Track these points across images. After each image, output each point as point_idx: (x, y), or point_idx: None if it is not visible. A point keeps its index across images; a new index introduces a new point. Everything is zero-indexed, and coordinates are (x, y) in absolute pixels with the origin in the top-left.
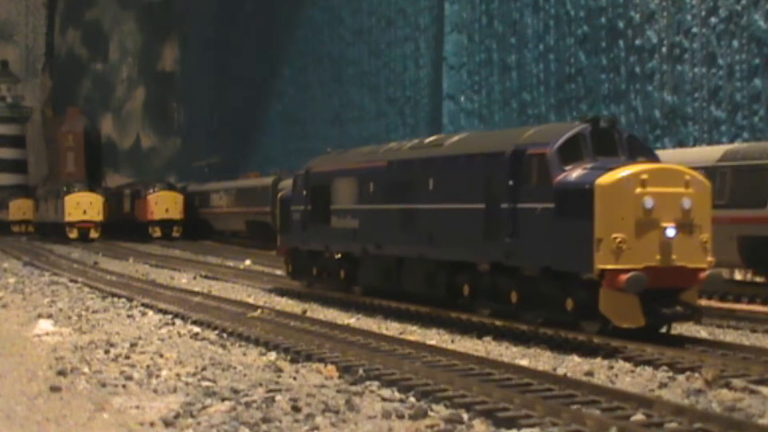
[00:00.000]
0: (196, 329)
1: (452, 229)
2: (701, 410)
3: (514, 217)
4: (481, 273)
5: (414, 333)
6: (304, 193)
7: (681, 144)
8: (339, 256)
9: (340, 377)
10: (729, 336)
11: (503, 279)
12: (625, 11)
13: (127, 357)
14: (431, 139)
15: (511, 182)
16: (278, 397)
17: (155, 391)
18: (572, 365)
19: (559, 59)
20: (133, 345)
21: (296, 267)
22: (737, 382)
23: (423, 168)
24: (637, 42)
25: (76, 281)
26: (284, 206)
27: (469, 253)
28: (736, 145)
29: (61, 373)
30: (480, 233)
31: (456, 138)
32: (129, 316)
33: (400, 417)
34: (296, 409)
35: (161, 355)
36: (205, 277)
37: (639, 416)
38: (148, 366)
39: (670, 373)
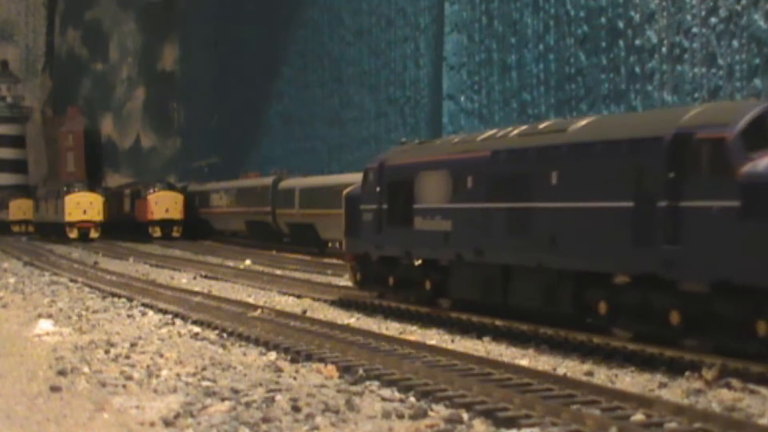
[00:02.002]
0: (196, 329)
1: (584, 232)
2: (701, 410)
3: (675, 219)
4: (621, 287)
5: (414, 333)
6: (378, 189)
7: None
8: (419, 262)
9: (340, 377)
10: None
11: (658, 295)
12: (625, 11)
13: (127, 357)
14: (547, 124)
15: (671, 175)
16: (278, 397)
17: (155, 391)
18: (572, 365)
19: (559, 59)
20: (133, 345)
21: (366, 276)
22: (737, 382)
23: (542, 158)
24: (637, 42)
25: (76, 281)
26: (351, 206)
27: (608, 262)
28: None
29: (61, 373)
30: (626, 238)
31: (585, 122)
32: (129, 316)
33: (400, 417)
34: (296, 409)
35: (161, 355)
36: (205, 277)
37: (639, 416)
38: (148, 366)
39: (670, 373)
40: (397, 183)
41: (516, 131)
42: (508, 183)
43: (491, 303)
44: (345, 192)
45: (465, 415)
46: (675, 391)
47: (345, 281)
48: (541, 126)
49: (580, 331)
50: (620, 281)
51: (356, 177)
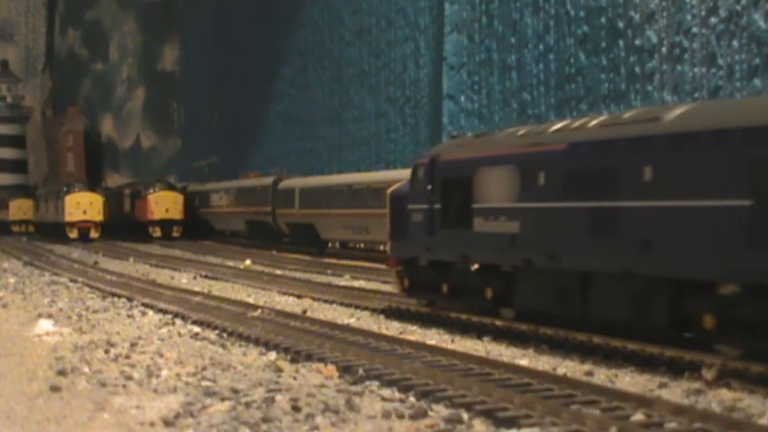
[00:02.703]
0: (196, 329)
1: (685, 235)
2: (701, 410)
3: None
4: (730, 297)
5: (414, 333)
6: (430, 187)
7: None
8: (475, 267)
9: (340, 377)
10: None
11: None
12: (625, 11)
13: (127, 357)
14: (634, 113)
15: None
16: (278, 397)
17: (155, 391)
18: (572, 365)
19: (559, 59)
20: (133, 345)
21: (415, 282)
22: (737, 383)
23: (633, 151)
24: (637, 42)
25: (76, 281)
26: (398, 205)
27: (715, 270)
28: None
29: (61, 373)
30: (739, 242)
31: (682, 109)
32: (129, 316)
33: (400, 417)
34: (296, 409)
35: (161, 355)
36: (205, 277)
37: (639, 416)
38: (148, 366)
39: (670, 373)
40: (452, 180)
41: (595, 121)
42: (589, 179)
43: (566, 314)
44: (390, 190)
45: (465, 415)
46: (675, 391)
47: (344, 281)
48: (627, 115)
49: (580, 331)
50: (727, 291)
51: (353, 177)
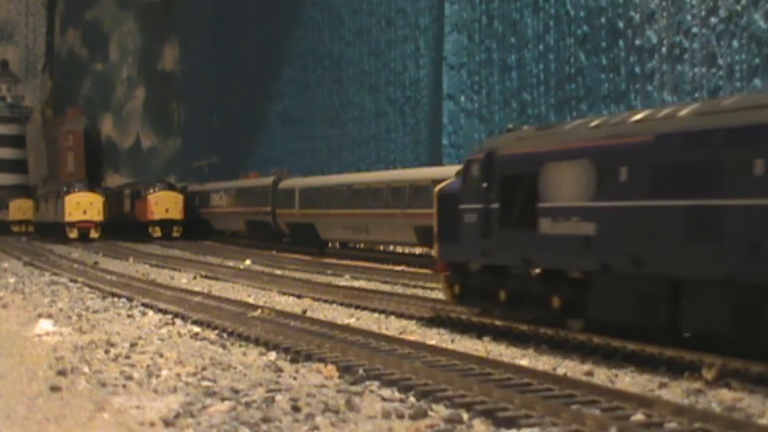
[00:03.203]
0: (196, 329)
1: None
2: (701, 410)
3: None
4: None
5: (414, 333)
6: (485, 185)
7: None
8: (537, 272)
9: (340, 377)
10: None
11: None
12: (625, 11)
13: (127, 357)
14: (734, 100)
15: None
16: (278, 397)
17: (155, 391)
18: (572, 365)
19: (559, 59)
20: (133, 345)
21: (467, 288)
22: (737, 383)
23: (738, 142)
24: (637, 42)
25: (76, 281)
26: (447, 205)
27: None
28: None
29: (61, 373)
30: None
31: None
32: (129, 316)
33: (400, 417)
34: (296, 409)
35: (161, 355)
36: (205, 277)
37: (639, 416)
38: (148, 366)
39: (670, 373)
40: (513, 177)
41: (687, 110)
42: (683, 174)
43: (650, 326)
44: (438, 189)
45: (465, 415)
46: (675, 391)
47: (344, 281)
48: (726, 102)
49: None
50: None
51: (360, 177)
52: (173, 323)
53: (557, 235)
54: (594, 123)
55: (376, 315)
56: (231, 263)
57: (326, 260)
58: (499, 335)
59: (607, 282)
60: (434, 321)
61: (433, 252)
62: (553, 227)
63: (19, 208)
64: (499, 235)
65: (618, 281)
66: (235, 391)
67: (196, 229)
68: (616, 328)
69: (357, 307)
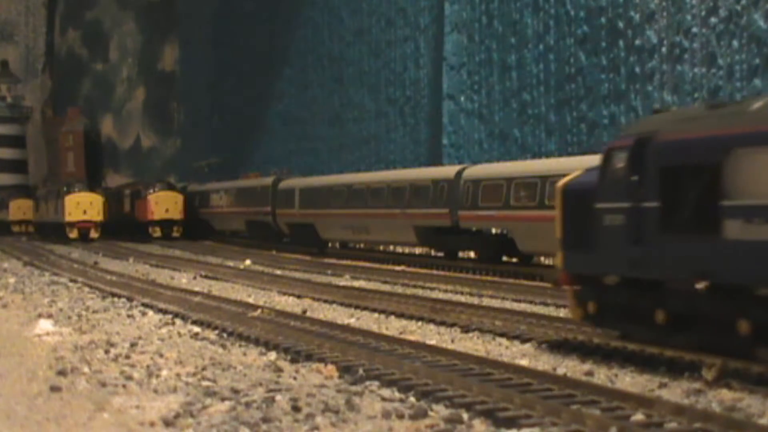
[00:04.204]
0: (196, 329)
1: None
2: (701, 410)
3: None
4: None
5: (414, 333)
6: (637, 179)
7: None
8: (710, 288)
9: (340, 377)
10: None
11: None
12: (625, 11)
13: (127, 357)
14: None
15: None
16: (278, 397)
17: (155, 391)
18: (572, 365)
19: (559, 59)
20: (133, 345)
21: (604, 306)
22: (737, 383)
23: None
24: (637, 42)
25: (76, 281)
26: (577, 204)
27: None
28: None
29: (61, 373)
30: None
31: None
32: (129, 316)
33: (400, 417)
34: (296, 409)
35: (161, 355)
36: (205, 277)
37: (639, 416)
38: (148, 366)
39: (670, 373)
40: (681, 168)
41: None
42: None
43: None
44: (562, 184)
45: (465, 415)
46: (675, 391)
47: (344, 281)
48: None
49: (579, 331)
50: None
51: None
52: (173, 323)
53: (753, 241)
54: None
55: (376, 315)
56: (231, 263)
57: (326, 260)
58: (499, 335)
59: None
60: (433, 320)
61: (556, 261)
62: (748, 232)
63: (19, 208)
64: (659, 242)
65: None
66: (235, 391)
67: (196, 229)
68: None
69: (357, 307)
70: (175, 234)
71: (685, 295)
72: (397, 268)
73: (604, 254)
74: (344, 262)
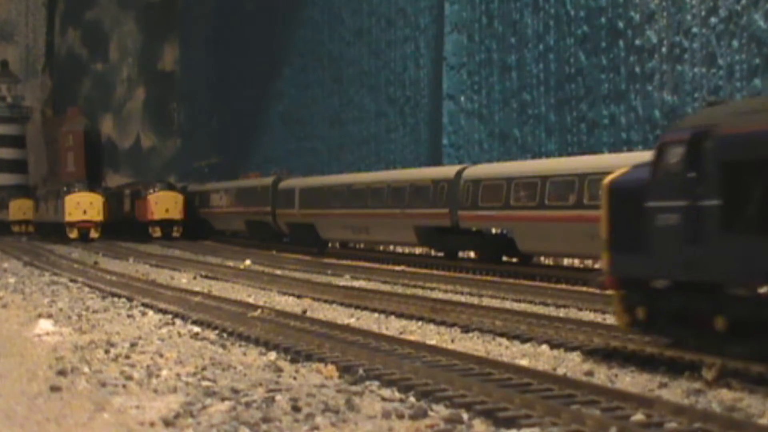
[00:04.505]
0: (196, 329)
1: None
2: (701, 410)
3: None
4: None
5: (414, 333)
6: (695, 175)
7: None
8: (766, 290)
9: (340, 377)
10: None
11: None
12: (625, 11)
13: (127, 357)
14: None
15: None
16: (278, 397)
17: (155, 391)
18: (572, 365)
19: (559, 59)
20: (133, 345)
21: (655, 312)
22: (737, 383)
23: None
24: (637, 42)
25: (76, 281)
26: (625, 202)
27: None
28: None
29: (61, 373)
30: None
31: None
32: (129, 316)
33: (400, 417)
34: (296, 409)
35: (161, 355)
36: (205, 277)
37: (639, 416)
38: (148, 366)
39: (670, 373)
40: (749, 164)
41: None
42: None
43: None
44: (609, 180)
45: (465, 415)
46: (675, 391)
47: (344, 281)
48: None
49: (579, 330)
50: None
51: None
52: (173, 323)
53: None
54: None
55: (376, 315)
56: (231, 263)
57: (326, 260)
58: (499, 335)
59: None
60: (433, 320)
61: (601, 264)
62: None
63: (19, 208)
64: (719, 242)
65: None
66: (235, 391)
67: (196, 229)
68: None
69: (357, 307)
70: (175, 234)
71: (747, 300)
72: (397, 268)
73: (657, 256)
74: (344, 262)
